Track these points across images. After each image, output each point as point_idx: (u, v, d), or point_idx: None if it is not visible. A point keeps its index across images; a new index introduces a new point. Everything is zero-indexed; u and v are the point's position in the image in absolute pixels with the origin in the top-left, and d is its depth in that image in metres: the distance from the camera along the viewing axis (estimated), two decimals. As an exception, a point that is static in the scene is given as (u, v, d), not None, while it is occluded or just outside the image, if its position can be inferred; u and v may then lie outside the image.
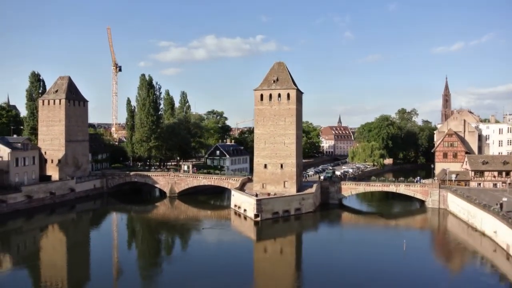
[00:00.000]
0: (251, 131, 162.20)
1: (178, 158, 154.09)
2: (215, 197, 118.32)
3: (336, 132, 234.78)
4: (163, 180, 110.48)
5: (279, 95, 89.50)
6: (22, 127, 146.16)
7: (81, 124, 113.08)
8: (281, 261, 64.75)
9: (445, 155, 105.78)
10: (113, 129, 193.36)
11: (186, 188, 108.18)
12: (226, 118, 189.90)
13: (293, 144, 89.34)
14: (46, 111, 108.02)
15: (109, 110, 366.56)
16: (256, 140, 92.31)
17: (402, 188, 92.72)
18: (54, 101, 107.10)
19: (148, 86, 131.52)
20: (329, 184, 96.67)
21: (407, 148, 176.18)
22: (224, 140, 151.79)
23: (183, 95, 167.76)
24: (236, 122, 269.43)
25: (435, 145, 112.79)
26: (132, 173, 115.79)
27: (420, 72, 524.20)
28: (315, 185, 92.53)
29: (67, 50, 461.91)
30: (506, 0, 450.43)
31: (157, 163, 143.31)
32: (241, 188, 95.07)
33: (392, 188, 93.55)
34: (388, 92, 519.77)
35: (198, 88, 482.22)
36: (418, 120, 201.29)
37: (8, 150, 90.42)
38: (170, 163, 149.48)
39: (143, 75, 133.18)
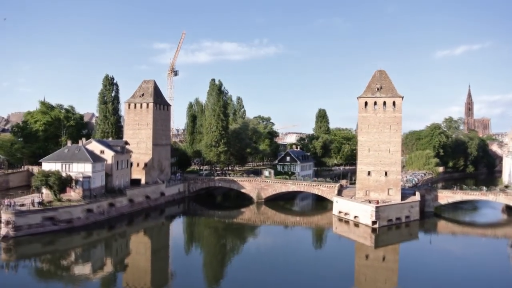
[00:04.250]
0: (312, 137, 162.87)
1: (233, 164, 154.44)
2: (292, 203, 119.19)
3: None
4: (249, 186, 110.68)
5: (384, 103, 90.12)
6: (86, 130, 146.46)
7: (165, 128, 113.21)
8: (404, 268, 63.67)
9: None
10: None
11: (273, 194, 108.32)
12: (273, 124, 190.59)
13: (398, 152, 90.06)
14: (133, 115, 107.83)
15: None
16: (360, 147, 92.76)
17: (501, 198, 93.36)
18: (141, 104, 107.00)
19: (218, 91, 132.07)
20: (425, 192, 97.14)
21: (456, 156, 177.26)
22: (292, 146, 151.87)
23: (239, 100, 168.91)
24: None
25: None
26: (216, 178, 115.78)
27: (428, 79, 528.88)
28: (417, 193, 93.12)
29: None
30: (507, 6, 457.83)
31: (220, 168, 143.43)
32: (339, 195, 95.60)
33: (490, 197, 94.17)
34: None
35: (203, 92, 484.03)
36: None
37: (112, 153, 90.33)
38: (226, 168, 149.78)
39: (213, 79, 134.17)
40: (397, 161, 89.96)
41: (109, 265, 63.63)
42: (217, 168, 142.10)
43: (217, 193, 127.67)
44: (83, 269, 60.66)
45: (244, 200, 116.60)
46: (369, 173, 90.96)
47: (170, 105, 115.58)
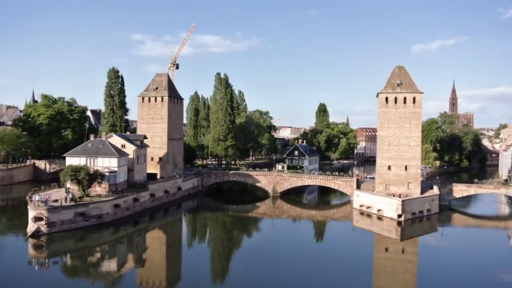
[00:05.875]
0: (315, 131, 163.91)
1: (236, 158, 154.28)
2: (303, 197, 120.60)
3: (367, 133, 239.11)
4: (264, 180, 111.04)
5: (405, 99, 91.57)
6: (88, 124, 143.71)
7: (178, 122, 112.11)
8: (428, 260, 64.09)
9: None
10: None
11: (289, 188, 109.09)
12: (271, 118, 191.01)
13: (418, 146, 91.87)
14: (147, 109, 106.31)
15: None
16: (380, 142, 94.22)
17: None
18: (156, 98, 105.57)
19: (225, 85, 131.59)
20: (441, 186, 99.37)
21: (452, 151, 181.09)
22: (300, 141, 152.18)
23: (241, 94, 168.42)
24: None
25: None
26: (231, 172, 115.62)
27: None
28: (435, 187, 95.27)
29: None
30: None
31: (226, 162, 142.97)
32: (358, 188, 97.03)
33: (502, 190, 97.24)
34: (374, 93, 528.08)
35: (188, 85, 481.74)
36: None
37: (133, 147, 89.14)
38: (233, 163, 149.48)
39: (218, 73, 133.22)
40: (417, 155, 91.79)
41: (136, 261, 62.83)
42: (223, 163, 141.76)
43: (225, 187, 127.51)
44: (111, 266, 60.10)
45: (257, 194, 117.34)
46: (389, 167, 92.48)
47: (183, 99, 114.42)
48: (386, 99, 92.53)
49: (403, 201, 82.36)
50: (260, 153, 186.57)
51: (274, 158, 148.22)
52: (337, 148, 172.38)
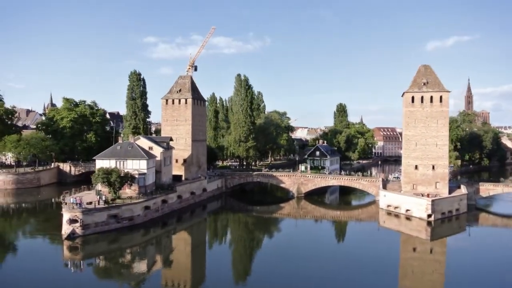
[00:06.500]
0: (335, 131, 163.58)
1: (256, 159, 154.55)
2: (325, 197, 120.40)
3: (385, 133, 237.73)
4: (288, 181, 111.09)
5: (431, 98, 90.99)
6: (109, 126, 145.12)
7: (202, 124, 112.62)
8: (462, 260, 63.84)
9: None
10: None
11: (313, 188, 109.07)
12: (289, 118, 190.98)
13: (445, 146, 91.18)
14: (171, 110, 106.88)
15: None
16: (406, 141, 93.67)
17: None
18: (180, 100, 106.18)
19: (245, 86, 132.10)
20: (467, 185, 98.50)
21: (472, 150, 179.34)
22: (320, 141, 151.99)
23: (259, 95, 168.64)
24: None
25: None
26: (254, 173, 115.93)
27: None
28: (462, 186, 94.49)
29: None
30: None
31: (248, 163, 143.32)
32: (384, 188, 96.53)
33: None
34: (390, 92, 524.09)
35: (202, 87, 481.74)
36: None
37: (160, 149, 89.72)
38: (253, 163, 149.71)
39: (238, 75, 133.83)
40: (445, 155, 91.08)
41: (163, 262, 63.14)
42: (244, 164, 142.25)
43: (247, 188, 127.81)
44: (141, 267, 60.48)
45: (279, 195, 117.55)
46: (416, 167, 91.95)
47: (206, 100, 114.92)
48: (412, 98, 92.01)
49: (432, 200, 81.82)
50: (279, 154, 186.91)
51: (297, 158, 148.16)
52: (356, 148, 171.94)
